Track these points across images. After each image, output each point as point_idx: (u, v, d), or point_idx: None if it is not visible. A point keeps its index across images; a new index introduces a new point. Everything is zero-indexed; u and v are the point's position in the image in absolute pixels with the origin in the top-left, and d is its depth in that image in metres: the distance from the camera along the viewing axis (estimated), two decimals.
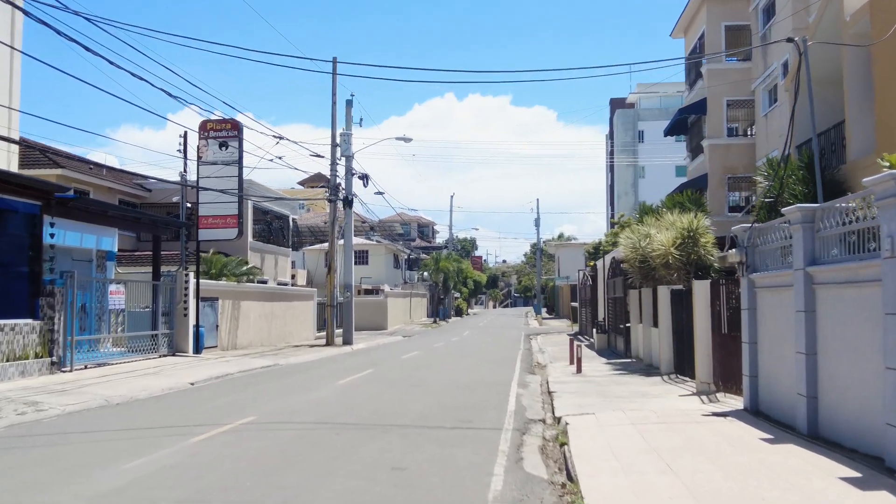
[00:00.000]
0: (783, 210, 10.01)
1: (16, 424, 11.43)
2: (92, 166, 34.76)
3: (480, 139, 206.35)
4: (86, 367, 20.11)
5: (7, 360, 17.29)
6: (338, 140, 33.92)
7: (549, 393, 15.50)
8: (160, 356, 23.92)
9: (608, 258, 30.54)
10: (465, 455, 9.04)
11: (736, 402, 12.66)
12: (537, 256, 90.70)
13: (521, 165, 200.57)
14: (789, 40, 14.07)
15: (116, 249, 26.69)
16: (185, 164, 26.10)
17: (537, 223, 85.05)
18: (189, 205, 28.17)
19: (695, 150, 35.70)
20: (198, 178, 26.48)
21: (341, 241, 35.88)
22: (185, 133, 26.28)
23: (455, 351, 29.49)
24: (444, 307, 71.49)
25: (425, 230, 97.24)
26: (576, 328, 46.36)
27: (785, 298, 10.36)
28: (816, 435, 9.29)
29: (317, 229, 66.53)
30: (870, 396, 8.04)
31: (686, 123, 36.78)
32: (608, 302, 29.93)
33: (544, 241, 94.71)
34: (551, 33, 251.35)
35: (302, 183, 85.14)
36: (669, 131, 39.92)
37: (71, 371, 19.34)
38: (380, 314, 51.84)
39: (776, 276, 10.70)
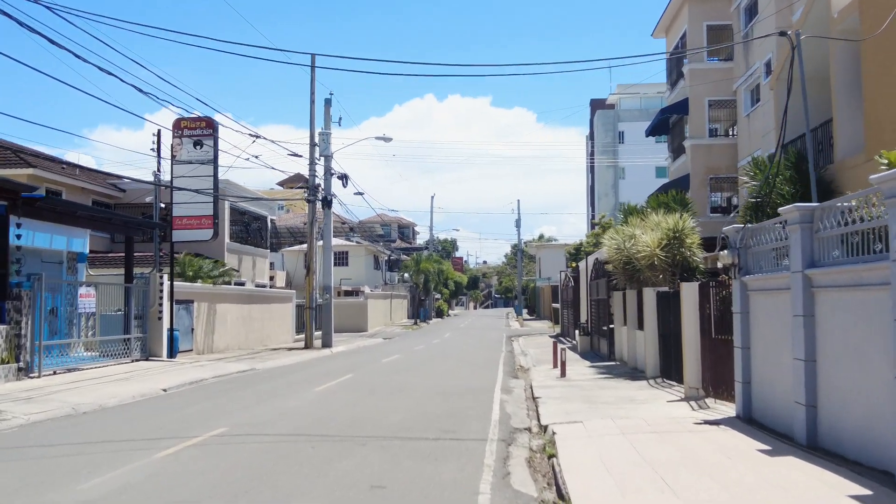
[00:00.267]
0: (780, 210, 9.57)
1: None
2: (64, 166, 33.97)
3: (461, 140, 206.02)
4: (55, 373, 19.44)
5: None
6: (316, 139, 33.30)
7: (534, 399, 15.01)
8: (133, 361, 23.24)
9: (591, 259, 30.17)
10: (448, 471, 8.51)
11: (727, 409, 12.24)
12: (518, 257, 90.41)
13: (502, 167, 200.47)
14: (782, 34, 13.65)
15: (88, 251, 25.97)
16: (159, 163, 25.40)
17: (518, 224, 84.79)
18: (163, 205, 27.45)
19: (676, 151, 35.52)
20: (171, 177, 25.79)
21: (321, 243, 35.27)
22: (159, 131, 25.61)
23: (436, 354, 28.97)
24: (425, 308, 70.99)
25: (406, 231, 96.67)
26: (557, 330, 45.99)
27: (781, 302, 9.93)
28: (816, 446, 8.86)
29: (296, 230, 65.83)
30: (876, 406, 7.62)
31: (668, 124, 36.61)
32: (591, 304, 29.54)
33: (525, 243, 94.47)
34: (532, 37, 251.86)
35: (281, 184, 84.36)
36: (651, 132, 39.75)
37: (39, 377, 18.66)
38: (360, 316, 51.20)
39: (771, 278, 10.27)
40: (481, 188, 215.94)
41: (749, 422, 10.98)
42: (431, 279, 69.68)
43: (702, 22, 32.06)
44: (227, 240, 36.40)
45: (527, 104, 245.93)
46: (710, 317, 13.44)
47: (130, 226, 25.00)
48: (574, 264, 42.73)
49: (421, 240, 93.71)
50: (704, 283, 14.31)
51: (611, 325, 24.55)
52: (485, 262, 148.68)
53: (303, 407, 14.00)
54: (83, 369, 20.60)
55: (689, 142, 31.85)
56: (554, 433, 10.61)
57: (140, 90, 17.49)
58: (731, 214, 30.84)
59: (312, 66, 33.21)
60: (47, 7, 13.73)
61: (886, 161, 10.00)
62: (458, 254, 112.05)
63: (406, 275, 71.12)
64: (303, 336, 34.05)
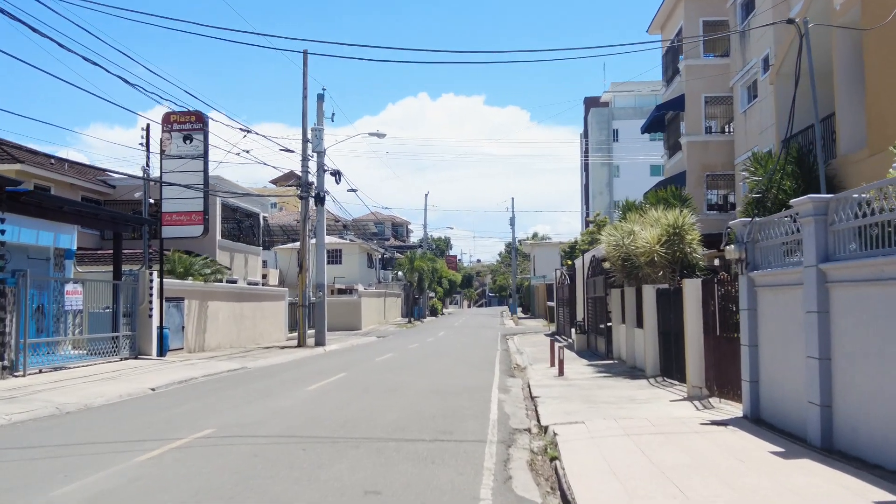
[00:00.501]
0: (792, 202, 9.17)
1: None
2: (53, 161, 33.46)
3: (454, 139, 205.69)
4: (41, 372, 18.98)
5: None
6: (309, 136, 32.83)
7: (533, 398, 14.61)
8: (122, 359, 22.77)
9: (588, 256, 29.78)
10: (446, 474, 8.07)
11: (733, 409, 11.85)
12: (512, 256, 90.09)
13: (496, 165, 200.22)
14: (789, 21, 13.26)
15: (76, 247, 25.45)
16: (148, 157, 24.90)
17: (512, 222, 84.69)
18: (153, 201, 26.96)
19: (672, 148, 35.21)
20: (161, 172, 25.32)
21: (314, 240, 34.80)
22: (148, 125, 25.08)
23: (431, 352, 28.56)
24: (419, 307, 70.59)
25: (400, 229, 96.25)
26: (552, 328, 45.63)
27: (791, 298, 9.54)
28: (831, 448, 8.46)
29: (289, 228, 65.32)
30: None
31: (663, 120, 36.29)
32: (588, 301, 29.16)
33: (519, 241, 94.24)
34: (531, 37, 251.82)
35: (274, 181, 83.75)
36: (646, 128, 39.42)
37: (24, 376, 18.19)
38: (353, 314, 50.76)
39: (781, 273, 9.87)
40: (475, 187, 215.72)
41: (757, 422, 10.58)
42: (425, 277, 69.27)
43: (698, 17, 31.73)
44: (218, 237, 35.92)
45: (520, 103, 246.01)
46: (715, 314, 13.05)
47: (118, 221, 24.49)
48: (569, 262, 42.37)
49: (415, 238, 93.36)
50: (708, 280, 13.93)
51: (608, 323, 24.17)
52: (479, 261, 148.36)
53: (294, 407, 13.56)
54: (70, 368, 20.13)
55: (686, 139, 31.52)
56: (555, 434, 10.20)
57: (126, 81, 17.02)
58: (730, 212, 30.60)
59: (305, 65, 32.79)
60: None
61: None
62: (452, 252, 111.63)
63: (400, 273, 70.68)
64: (296, 334, 33.61)
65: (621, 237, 20.06)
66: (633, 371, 19.37)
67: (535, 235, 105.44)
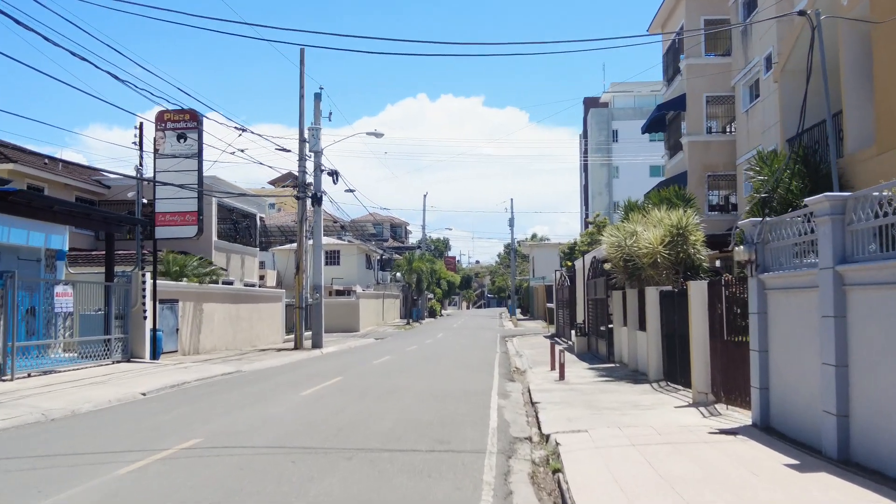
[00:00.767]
0: (806, 200, 8.74)
1: None
2: (47, 161, 33.04)
3: (453, 139, 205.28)
4: (29, 376, 18.53)
5: None
6: (306, 135, 32.41)
7: (533, 404, 14.18)
8: (113, 362, 22.33)
9: (588, 257, 29.36)
10: (443, 490, 7.62)
11: (741, 417, 11.42)
12: (511, 257, 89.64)
13: (494, 166, 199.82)
14: (801, 13, 12.84)
15: (67, 248, 25.04)
16: (141, 156, 24.42)
17: (511, 223, 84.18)
18: (146, 201, 26.52)
19: (673, 148, 34.85)
20: (154, 171, 24.87)
21: (312, 241, 34.37)
22: (141, 124, 24.62)
23: (429, 354, 28.13)
24: (418, 308, 70.13)
25: (398, 230, 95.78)
26: (552, 330, 45.21)
27: (805, 301, 9.11)
28: (848, 460, 8.02)
29: (287, 229, 64.88)
30: None
31: (664, 120, 35.93)
32: (588, 303, 28.73)
33: (518, 242, 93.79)
34: (531, 38, 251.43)
35: (273, 182, 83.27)
36: (647, 128, 39.09)
37: (12, 380, 17.73)
38: (351, 316, 50.32)
39: (794, 276, 9.44)
40: (474, 188, 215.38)
41: (767, 430, 10.16)
42: (424, 279, 68.81)
43: (699, 16, 31.35)
44: (214, 238, 35.48)
45: (519, 104, 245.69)
46: (722, 317, 12.62)
47: (110, 221, 24.05)
48: (569, 263, 41.95)
49: (413, 239, 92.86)
50: (715, 282, 13.49)
51: (610, 326, 23.74)
52: (478, 262, 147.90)
53: (286, 413, 13.11)
54: (60, 371, 19.68)
55: (687, 138, 31.15)
56: (557, 444, 9.77)
57: (116, 77, 16.57)
58: (731, 212, 30.21)
59: (302, 59, 32.36)
60: None
61: None
62: (450, 253, 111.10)
63: (398, 274, 70.22)
64: (292, 336, 33.15)
65: (623, 238, 19.63)
66: (635, 375, 18.95)
67: (534, 236, 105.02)
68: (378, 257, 72.77)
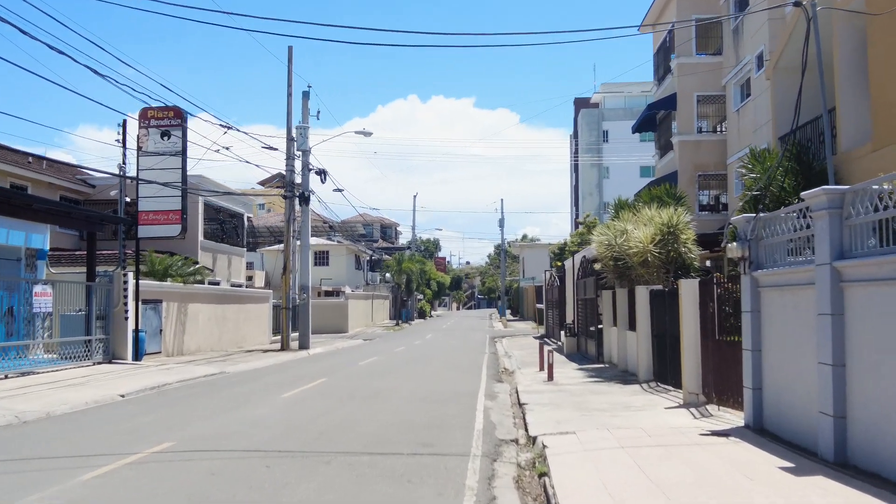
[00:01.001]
0: (803, 194, 8.42)
1: None
2: (31, 160, 32.56)
3: (444, 140, 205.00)
4: (6, 377, 18.05)
5: None
6: (294, 134, 32.01)
7: (521, 405, 13.84)
8: (94, 364, 21.86)
9: (578, 257, 29.06)
10: (424, 496, 7.25)
11: (734, 418, 11.12)
12: (501, 257, 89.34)
13: (485, 167, 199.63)
14: (796, 4, 12.55)
15: (48, 247, 24.57)
16: (124, 154, 24.04)
17: (501, 224, 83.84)
18: (129, 200, 26.05)
19: (664, 148, 34.65)
20: (137, 169, 24.40)
21: (300, 242, 33.95)
22: (125, 121, 24.27)
23: (417, 356, 27.76)
24: (407, 309, 69.71)
25: (388, 231, 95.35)
26: (541, 330, 44.91)
27: (801, 299, 8.80)
28: (846, 463, 7.72)
29: (276, 230, 64.37)
30: None
31: (655, 120, 35.74)
32: (578, 303, 28.43)
33: (508, 243, 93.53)
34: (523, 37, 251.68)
35: (263, 183, 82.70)
36: (637, 128, 38.90)
37: None
38: (340, 317, 49.88)
39: (789, 272, 9.13)
40: (465, 189, 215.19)
41: (760, 432, 9.84)
42: (414, 279, 68.40)
43: (690, 14, 31.13)
44: (200, 237, 35.02)
45: (510, 105, 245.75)
46: (714, 316, 12.31)
47: (92, 220, 23.57)
48: (559, 263, 41.63)
49: (404, 240, 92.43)
50: (707, 280, 13.19)
51: (599, 326, 23.44)
52: (468, 263, 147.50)
53: (267, 416, 12.71)
54: (39, 373, 19.21)
55: (677, 138, 30.92)
56: (544, 446, 9.44)
57: (96, 72, 16.14)
58: (722, 212, 29.99)
59: (290, 57, 31.99)
60: None
61: None
62: (440, 254, 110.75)
63: (388, 275, 69.79)
64: (279, 337, 32.73)
65: (613, 236, 19.33)
66: (624, 375, 18.64)
67: (524, 237, 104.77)
68: (368, 258, 72.33)
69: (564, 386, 16.76)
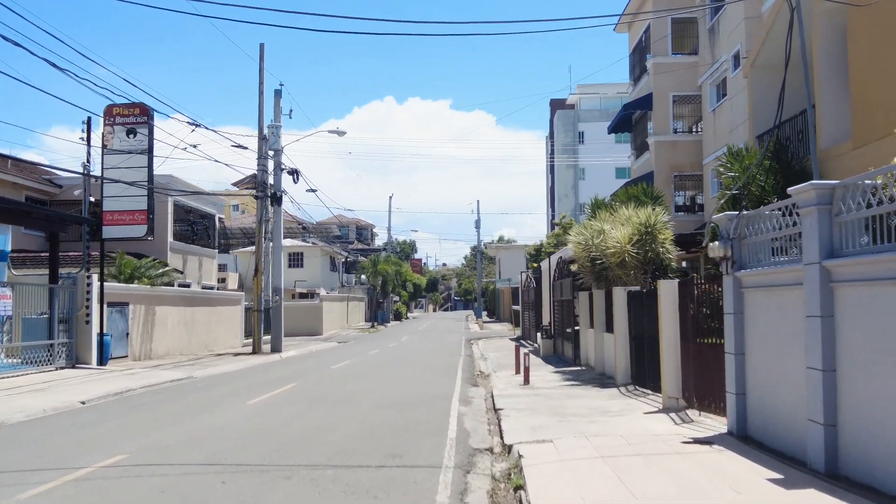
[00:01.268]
0: (790, 189, 8.02)
1: None
2: None
3: (420, 142, 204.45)
4: None
5: None
6: (266, 133, 31.34)
7: (496, 410, 13.38)
8: (57, 368, 21.13)
9: (554, 258, 28.68)
10: None
11: (716, 424, 10.72)
12: (478, 259, 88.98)
13: (461, 169, 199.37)
14: None
15: (10, 248, 23.77)
16: (89, 152, 23.26)
17: (477, 225, 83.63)
18: (93, 199, 25.26)
19: (640, 148, 34.45)
20: (102, 167, 23.62)
21: (273, 243, 33.26)
22: (89, 119, 23.50)
23: (392, 358, 27.23)
24: (383, 311, 69.07)
25: (364, 232, 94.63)
26: (518, 332, 44.54)
27: (787, 300, 8.41)
28: (837, 474, 7.31)
29: (250, 231, 63.51)
30: None
31: (630, 120, 35.54)
32: (554, 305, 28.04)
33: (485, 244, 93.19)
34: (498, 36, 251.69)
35: (237, 184, 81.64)
36: (613, 128, 38.69)
37: None
38: (315, 319, 49.19)
39: (774, 272, 8.74)
40: (441, 190, 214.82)
41: (744, 439, 9.44)
42: (389, 281, 67.76)
43: (666, 14, 30.91)
44: (170, 238, 34.20)
45: (486, 107, 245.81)
46: (694, 318, 11.93)
47: (53, 220, 22.80)
48: (535, 265, 41.28)
49: (379, 241, 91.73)
50: (687, 281, 12.80)
51: (576, 328, 23.05)
52: (444, 265, 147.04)
53: (229, 424, 12.12)
54: None
55: (653, 138, 30.70)
56: (520, 456, 8.97)
57: (54, 65, 15.45)
58: (698, 213, 29.78)
59: (261, 55, 31.36)
60: None
61: None
62: (417, 256, 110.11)
63: (363, 277, 69.10)
64: (252, 340, 32.03)
65: (590, 237, 18.94)
66: (602, 378, 18.25)
67: (500, 239, 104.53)
68: (343, 259, 71.61)
69: (541, 390, 16.32)
